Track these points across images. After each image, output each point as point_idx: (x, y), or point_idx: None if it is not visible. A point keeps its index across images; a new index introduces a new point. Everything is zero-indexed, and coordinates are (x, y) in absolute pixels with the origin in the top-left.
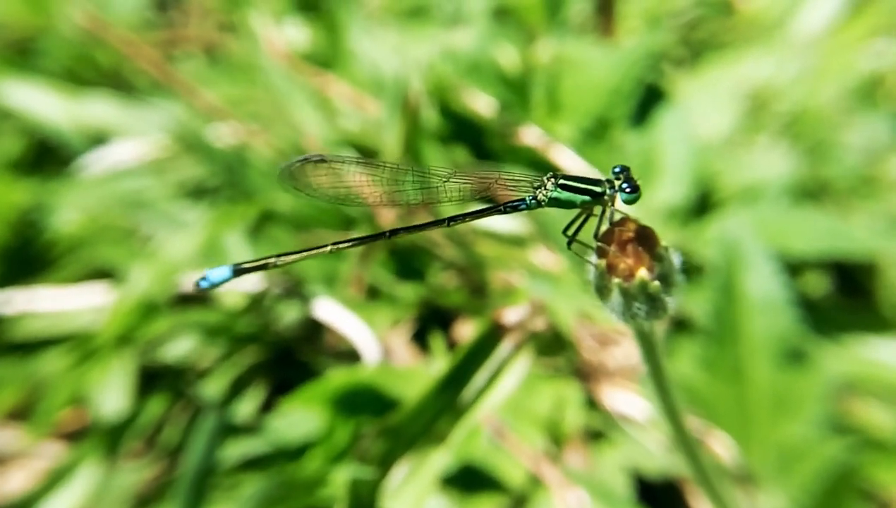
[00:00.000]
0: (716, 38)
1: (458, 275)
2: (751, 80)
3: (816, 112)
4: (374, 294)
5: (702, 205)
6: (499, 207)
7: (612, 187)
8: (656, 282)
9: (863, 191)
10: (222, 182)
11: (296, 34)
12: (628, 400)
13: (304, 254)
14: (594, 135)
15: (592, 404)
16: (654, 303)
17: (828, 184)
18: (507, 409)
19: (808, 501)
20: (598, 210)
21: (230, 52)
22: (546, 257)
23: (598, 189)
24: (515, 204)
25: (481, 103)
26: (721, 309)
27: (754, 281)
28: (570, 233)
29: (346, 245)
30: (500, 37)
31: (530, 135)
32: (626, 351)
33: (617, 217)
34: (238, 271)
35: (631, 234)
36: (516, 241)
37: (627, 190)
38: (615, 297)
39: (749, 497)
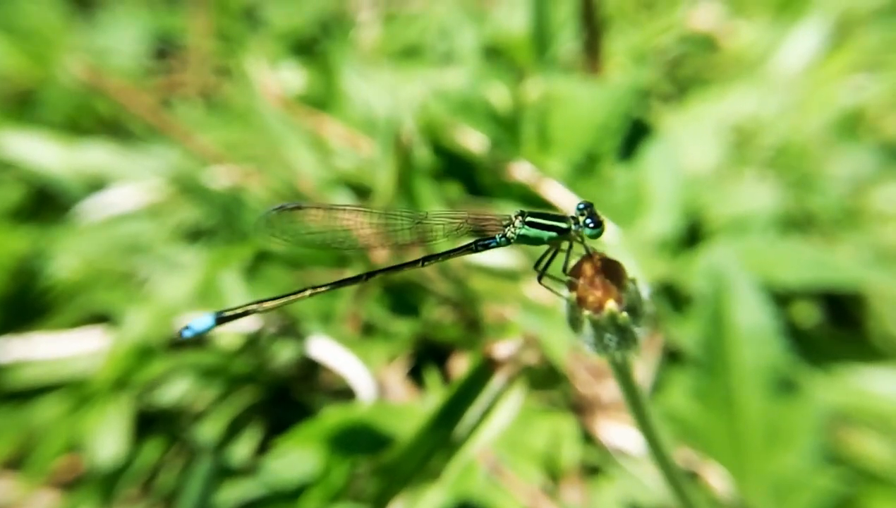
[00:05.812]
0: (701, 75)
1: (452, 310)
2: (735, 115)
3: (800, 145)
4: (369, 330)
5: (691, 237)
6: (470, 246)
7: (577, 223)
8: (625, 313)
9: (848, 223)
10: (218, 223)
11: (291, 77)
12: (624, 434)
13: (284, 299)
14: (584, 170)
15: (588, 437)
16: (623, 334)
17: (813, 216)
18: (504, 444)
19: None
20: (565, 245)
21: (227, 95)
22: (539, 291)
23: (563, 225)
24: (486, 242)
25: (473, 140)
26: (710, 340)
27: (742, 311)
28: (540, 267)
29: (323, 289)
30: (491, 76)
31: (521, 171)
32: None
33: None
34: (220, 319)
35: (598, 267)
36: (509, 275)
37: (591, 225)
38: (587, 329)
39: None
